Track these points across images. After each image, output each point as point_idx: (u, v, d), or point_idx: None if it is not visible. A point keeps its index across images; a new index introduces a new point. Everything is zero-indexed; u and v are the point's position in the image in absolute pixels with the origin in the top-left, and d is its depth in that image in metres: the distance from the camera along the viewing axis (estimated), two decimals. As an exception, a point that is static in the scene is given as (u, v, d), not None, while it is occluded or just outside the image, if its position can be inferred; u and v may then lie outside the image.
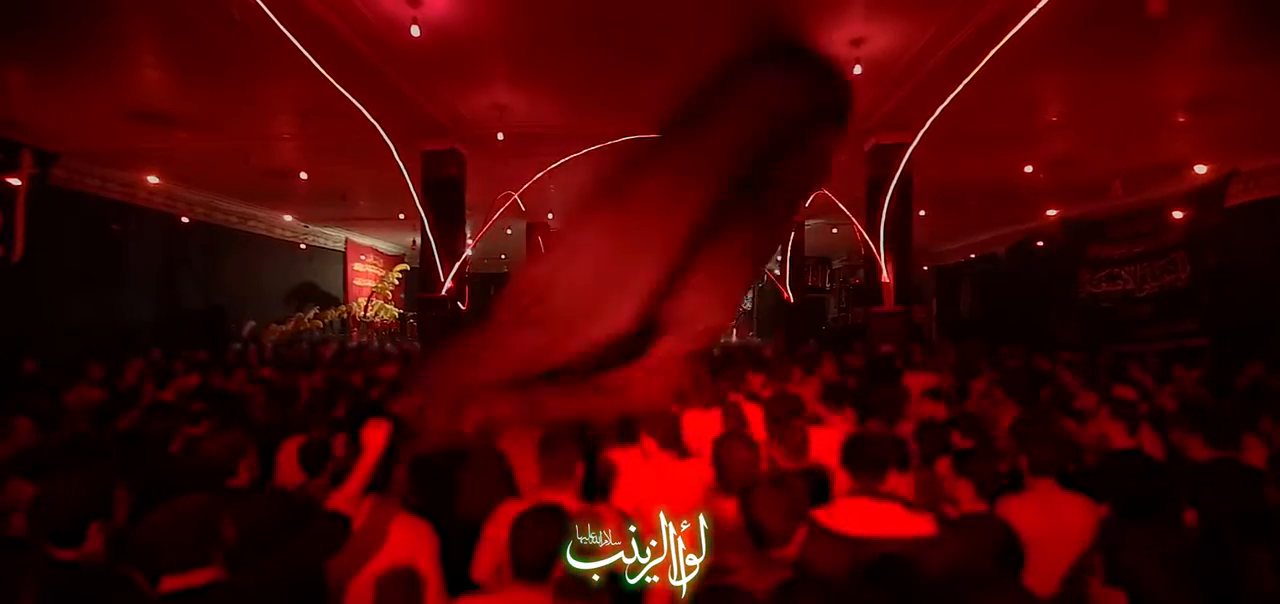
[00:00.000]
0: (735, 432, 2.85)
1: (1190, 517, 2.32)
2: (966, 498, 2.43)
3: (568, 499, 2.32)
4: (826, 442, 3.40)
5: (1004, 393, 4.68)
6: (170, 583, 1.68)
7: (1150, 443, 3.20)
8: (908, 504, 2.23)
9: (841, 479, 3.19)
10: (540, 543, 1.79)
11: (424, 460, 2.67)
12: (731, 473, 2.37)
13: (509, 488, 3.07)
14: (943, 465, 2.94)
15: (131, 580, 1.88)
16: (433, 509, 2.47)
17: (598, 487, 2.71)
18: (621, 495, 2.69)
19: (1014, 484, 2.64)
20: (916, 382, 5.35)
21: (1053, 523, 2.28)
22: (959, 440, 3.31)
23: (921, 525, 2.10)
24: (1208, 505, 2.22)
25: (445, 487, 2.62)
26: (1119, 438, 3.07)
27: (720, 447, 2.47)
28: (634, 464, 2.91)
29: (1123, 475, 2.74)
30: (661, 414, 2.92)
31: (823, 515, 2.15)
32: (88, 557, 1.91)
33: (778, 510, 1.86)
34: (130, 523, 2.12)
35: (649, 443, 2.91)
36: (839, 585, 1.79)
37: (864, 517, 2.12)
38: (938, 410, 4.35)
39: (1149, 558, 1.57)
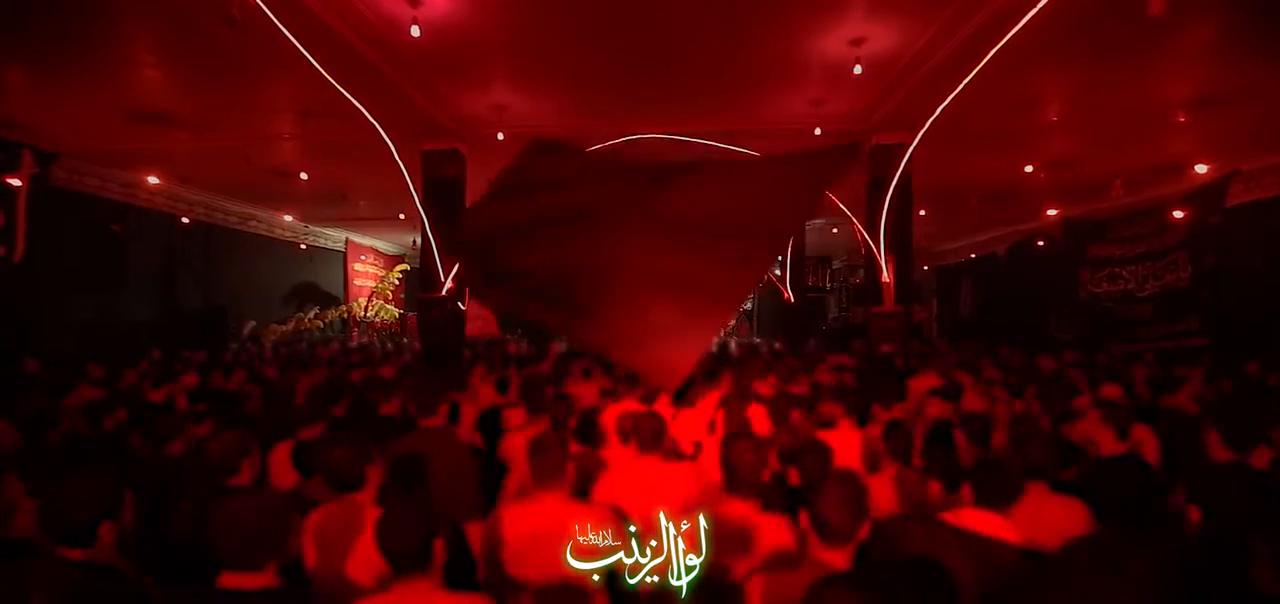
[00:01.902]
0: (742, 432, 2.83)
1: (1195, 514, 2.30)
2: (937, 497, 2.41)
3: (560, 499, 2.32)
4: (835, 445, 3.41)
5: (1006, 392, 4.67)
6: (230, 580, 1.68)
7: (1147, 446, 3.17)
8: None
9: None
10: (409, 533, 1.77)
11: (400, 458, 2.68)
12: (740, 473, 2.35)
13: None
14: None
15: (141, 583, 1.89)
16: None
17: (579, 486, 2.69)
18: (604, 494, 2.67)
19: None
20: (920, 383, 5.34)
21: (1043, 527, 2.26)
22: (960, 441, 3.30)
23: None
24: (1213, 510, 2.19)
25: (421, 483, 2.62)
26: (1108, 443, 3.02)
27: (728, 447, 2.45)
28: (622, 464, 2.89)
29: (1110, 481, 2.73)
30: (646, 416, 2.91)
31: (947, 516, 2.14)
32: (98, 557, 1.91)
33: (844, 507, 1.86)
34: (138, 524, 2.12)
35: (633, 444, 2.89)
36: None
37: (989, 524, 2.04)
38: (945, 410, 4.35)
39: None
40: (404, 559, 1.76)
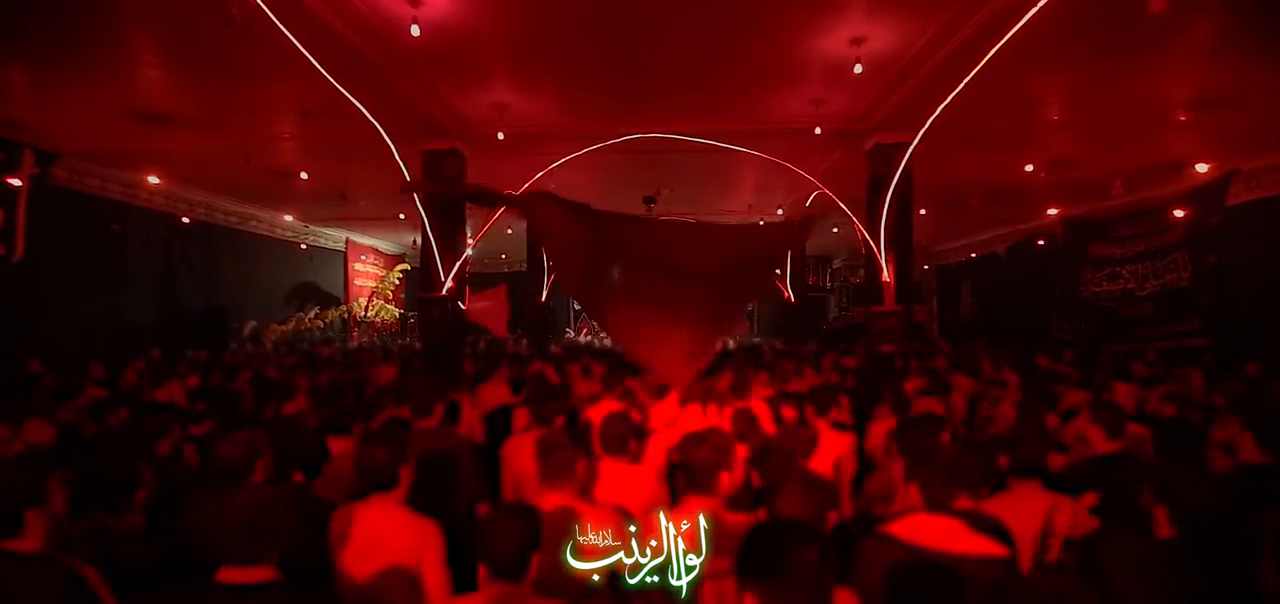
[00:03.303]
0: (701, 433, 2.82)
1: (1161, 514, 2.28)
2: (915, 499, 2.36)
3: (567, 499, 2.32)
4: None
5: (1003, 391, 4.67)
6: (228, 575, 1.68)
7: (1142, 445, 3.18)
8: (975, 523, 2.08)
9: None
10: (512, 540, 1.78)
11: (428, 459, 2.67)
12: (698, 472, 2.35)
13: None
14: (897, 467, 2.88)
15: (73, 570, 1.87)
16: (436, 508, 2.47)
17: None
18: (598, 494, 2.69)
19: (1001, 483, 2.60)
20: (910, 385, 5.35)
21: (1035, 525, 2.25)
22: (920, 441, 3.28)
23: (989, 546, 1.99)
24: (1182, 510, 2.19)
25: (449, 485, 2.61)
26: (1099, 442, 3.03)
27: (685, 446, 2.45)
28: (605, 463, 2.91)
29: (1102, 479, 2.72)
30: (614, 418, 2.93)
31: (887, 527, 2.09)
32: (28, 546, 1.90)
33: (802, 509, 1.85)
34: (73, 512, 2.13)
35: (597, 447, 2.92)
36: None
37: (929, 532, 2.01)
38: (935, 407, 4.35)
39: (1125, 562, 1.55)
40: (505, 566, 1.77)
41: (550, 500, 2.31)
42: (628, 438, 2.91)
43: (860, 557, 2.00)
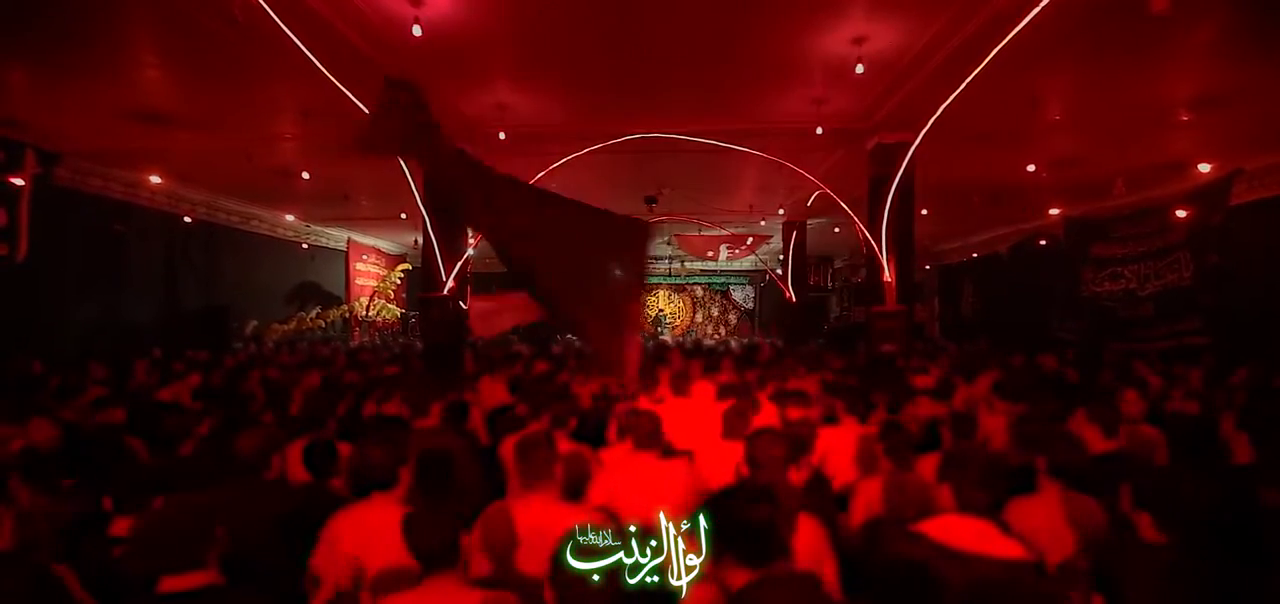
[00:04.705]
0: (770, 429, 2.80)
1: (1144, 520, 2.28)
2: (948, 502, 2.36)
3: (548, 500, 2.32)
4: (837, 441, 3.38)
5: (1002, 395, 4.63)
6: (169, 584, 1.68)
7: (1154, 448, 3.16)
8: (1005, 525, 2.09)
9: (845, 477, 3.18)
10: (437, 534, 1.84)
11: (427, 456, 2.67)
12: (764, 466, 2.34)
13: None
14: (926, 466, 2.88)
15: (44, 568, 1.88)
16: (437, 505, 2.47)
17: (572, 487, 2.65)
18: (600, 494, 2.66)
19: (1023, 485, 2.60)
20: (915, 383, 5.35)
21: (1064, 525, 2.25)
22: (947, 439, 3.28)
23: (1017, 549, 1.98)
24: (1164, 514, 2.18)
25: (449, 484, 2.61)
26: (1095, 441, 3.03)
27: (753, 441, 2.44)
28: (618, 462, 2.90)
29: (1103, 478, 2.71)
30: (643, 414, 2.93)
31: (918, 526, 2.09)
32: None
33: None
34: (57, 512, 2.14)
35: (629, 442, 2.91)
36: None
37: (960, 533, 1.99)
38: (937, 409, 4.34)
39: (1127, 561, 1.55)
40: (433, 557, 1.82)
41: (532, 503, 2.30)
42: (659, 434, 2.91)
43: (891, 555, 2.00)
